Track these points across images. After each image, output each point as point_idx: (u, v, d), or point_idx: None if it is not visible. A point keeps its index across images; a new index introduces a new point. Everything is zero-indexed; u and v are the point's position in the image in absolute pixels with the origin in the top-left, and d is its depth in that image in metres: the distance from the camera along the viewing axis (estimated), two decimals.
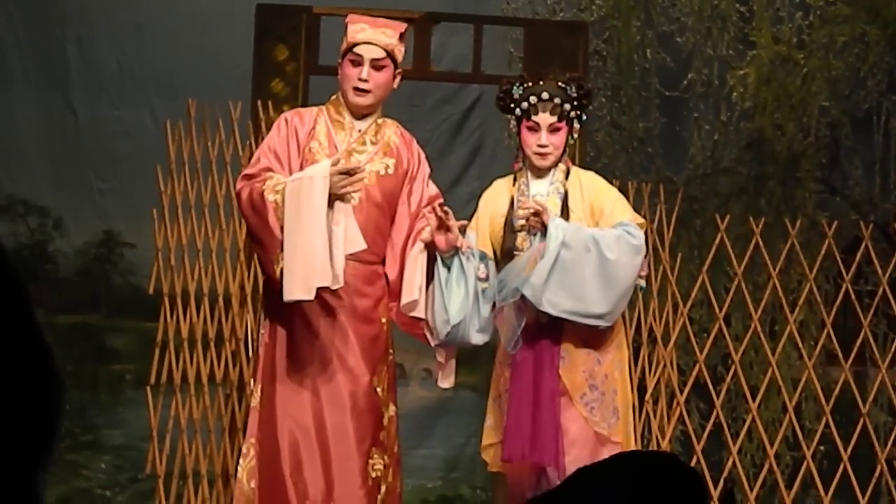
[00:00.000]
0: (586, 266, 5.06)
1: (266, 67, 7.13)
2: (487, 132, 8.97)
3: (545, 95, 5.19)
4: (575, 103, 5.23)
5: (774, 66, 8.80)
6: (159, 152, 6.77)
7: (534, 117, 5.19)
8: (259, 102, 6.81)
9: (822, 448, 6.92)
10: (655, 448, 6.41)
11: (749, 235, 6.77)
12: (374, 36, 5.19)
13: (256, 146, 6.62)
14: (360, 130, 5.22)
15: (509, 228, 5.23)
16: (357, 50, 5.15)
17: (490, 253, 5.26)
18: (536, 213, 5.11)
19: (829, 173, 9.15)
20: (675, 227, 6.80)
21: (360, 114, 5.22)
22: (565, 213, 5.17)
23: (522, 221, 5.18)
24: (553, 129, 5.20)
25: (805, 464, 6.65)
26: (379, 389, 5.14)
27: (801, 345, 6.85)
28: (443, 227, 5.05)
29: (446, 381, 5.30)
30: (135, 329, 8.64)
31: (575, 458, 5.03)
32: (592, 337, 5.18)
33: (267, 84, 7.11)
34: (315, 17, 7.06)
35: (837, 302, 6.82)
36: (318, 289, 4.88)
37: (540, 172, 5.27)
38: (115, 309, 9.03)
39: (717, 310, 6.73)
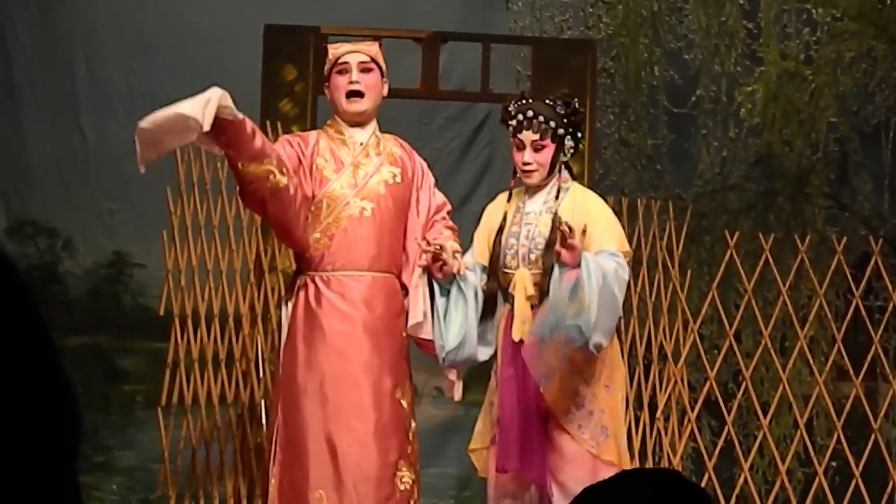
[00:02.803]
0: (602, 296, 5.00)
1: (274, 88, 7.15)
2: (496, 150, 8.96)
3: (530, 113, 5.16)
4: (564, 121, 5.19)
5: (782, 82, 8.80)
6: (169, 173, 6.76)
7: (519, 135, 5.17)
8: (268, 123, 6.82)
9: (833, 464, 6.91)
10: (667, 465, 6.40)
11: (758, 252, 6.77)
12: (356, 46, 5.34)
13: None
14: (361, 143, 5.27)
15: (496, 242, 5.21)
16: (343, 59, 5.26)
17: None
18: (570, 247, 4.88)
19: (838, 189, 9.14)
20: (684, 243, 6.80)
21: (356, 121, 5.27)
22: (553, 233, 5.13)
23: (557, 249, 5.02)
24: (537, 147, 5.16)
25: (817, 480, 6.64)
26: (404, 402, 5.16)
27: (811, 361, 6.83)
28: (437, 261, 5.07)
29: (456, 394, 5.33)
30: (145, 350, 8.63)
31: (572, 475, 5.01)
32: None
33: (275, 104, 7.13)
34: (323, 37, 7.08)
35: (848, 317, 6.81)
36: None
37: (534, 190, 5.25)
38: (125, 330, 9.01)
39: (727, 326, 6.72)
